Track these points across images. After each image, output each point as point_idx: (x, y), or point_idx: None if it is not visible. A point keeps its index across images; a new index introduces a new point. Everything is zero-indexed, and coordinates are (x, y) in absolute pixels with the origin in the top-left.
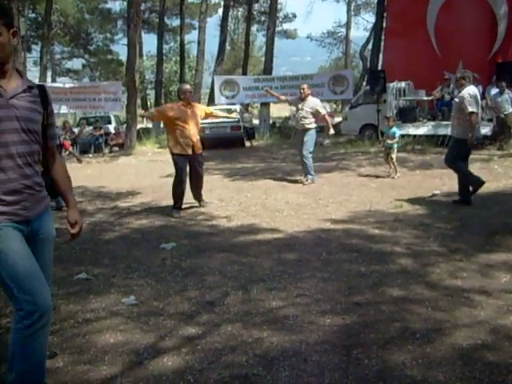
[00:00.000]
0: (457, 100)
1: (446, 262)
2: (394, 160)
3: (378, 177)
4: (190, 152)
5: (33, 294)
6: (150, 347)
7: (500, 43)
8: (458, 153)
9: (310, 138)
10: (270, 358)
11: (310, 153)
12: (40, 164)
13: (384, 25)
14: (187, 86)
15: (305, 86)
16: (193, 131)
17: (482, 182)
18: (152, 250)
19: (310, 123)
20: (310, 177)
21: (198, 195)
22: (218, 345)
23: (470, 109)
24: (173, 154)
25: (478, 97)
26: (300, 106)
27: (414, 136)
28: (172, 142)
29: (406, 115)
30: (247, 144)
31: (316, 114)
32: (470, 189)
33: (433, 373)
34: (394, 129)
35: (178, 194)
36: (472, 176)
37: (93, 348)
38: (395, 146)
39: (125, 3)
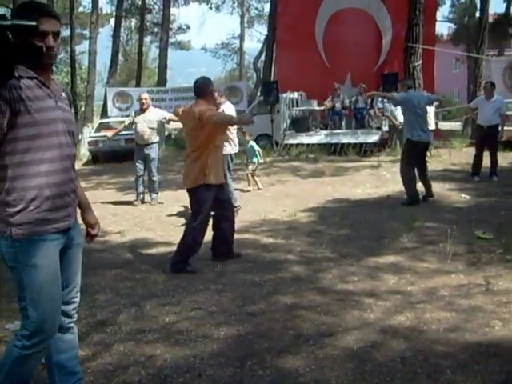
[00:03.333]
0: None
1: (337, 267)
2: (252, 173)
3: (272, 185)
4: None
5: (44, 320)
6: (36, 373)
7: (385, 55)
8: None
9: (156, 153)
10: (163, 375)
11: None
12: None
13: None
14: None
15: (145, 95)
16: None
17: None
18: None
19: (155, 136)
20: (155, 196)
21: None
22: (110, 366)
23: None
24: (201, 186)
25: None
26: (140, 118)
27: (308, 145)
28: (208, 167)
29: (299, 125)
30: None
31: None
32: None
33: (325, 377)
34: (251, 143)
35: (198, 244)
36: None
37: None
38: (254, 160)
39: (9, 10)
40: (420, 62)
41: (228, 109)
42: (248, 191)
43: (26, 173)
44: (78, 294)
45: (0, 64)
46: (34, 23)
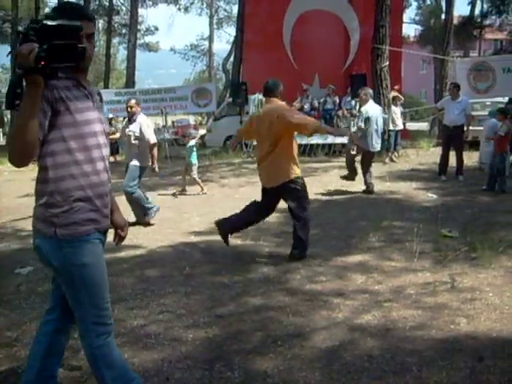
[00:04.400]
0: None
1: (305, 267)
2: (196, 177)
3: (241, 186)
4: None
5: (102, 313)
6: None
7: (353, 56)
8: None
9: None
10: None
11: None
12: None
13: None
14: None
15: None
16: None
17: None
18: (6, 276)
19: None
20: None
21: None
22: (77, 372)
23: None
24: (297, 178)
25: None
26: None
27: None
28: (296, 160)
29: None
30: (111, 159)
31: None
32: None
33: (294, 378)
34: (191, 143)
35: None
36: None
37: None
38: (194, 161)
39: None
40: (387, 63)
41: (143, 120)
42: (205, 193)
43: (68, 173)
44: None
45: (45, 64)
46: (79, 24)
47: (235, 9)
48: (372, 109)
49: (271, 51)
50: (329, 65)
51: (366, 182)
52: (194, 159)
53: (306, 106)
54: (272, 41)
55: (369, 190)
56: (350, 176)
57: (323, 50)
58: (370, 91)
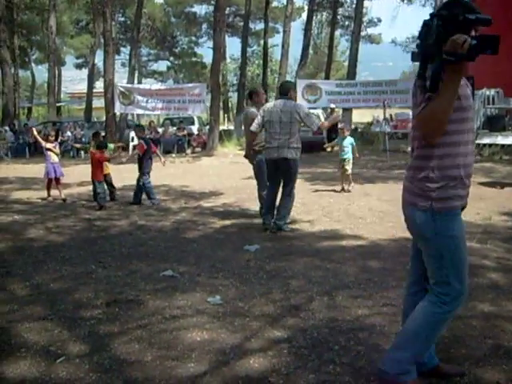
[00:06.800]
0: None
1: None
2: (349, 172)
3: None
4: None
5: (462, 284)
6: (236, 347)
7: None
8: None
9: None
10: (357, 366)
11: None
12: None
13: None
14: None
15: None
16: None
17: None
18: (236, 251)
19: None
20: None
21: None
22: (305, 350)
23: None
24: None
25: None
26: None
27: (502, 146)
28: None
29: (495, 124)
30: (328, 149)
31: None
32: None
33: None
34: (348, 139)
35: None
36: None
37: (180, 345)
38: (349, 157)
39: (210, 7)
40: None
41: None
42: (349, 191)
43: (452, 152)
44: None
45: (476, 53)
46: (491, 17)
47: None
48: None
49: (501, 44)
50: None
51: None
52: (349, 154)
53: None
54: (504, 32)
55: None
56: None
57: None
58: None
